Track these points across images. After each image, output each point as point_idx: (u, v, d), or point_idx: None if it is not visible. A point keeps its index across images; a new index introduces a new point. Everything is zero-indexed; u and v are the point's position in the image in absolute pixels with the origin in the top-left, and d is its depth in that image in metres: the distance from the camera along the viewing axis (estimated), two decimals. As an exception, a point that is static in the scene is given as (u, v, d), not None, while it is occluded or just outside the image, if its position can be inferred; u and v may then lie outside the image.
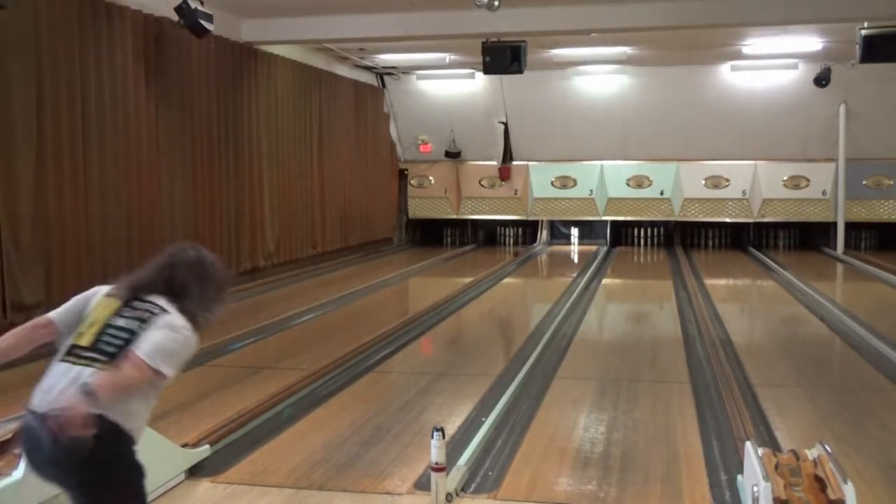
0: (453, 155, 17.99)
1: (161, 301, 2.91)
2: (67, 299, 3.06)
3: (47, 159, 8.09)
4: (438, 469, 3.99)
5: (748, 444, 3.89)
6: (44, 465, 2.78)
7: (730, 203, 17.19)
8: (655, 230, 18.31)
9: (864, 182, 16.54)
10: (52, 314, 3.02)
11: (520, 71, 11.57)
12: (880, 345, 7.72)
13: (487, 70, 11.80)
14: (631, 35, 12.76)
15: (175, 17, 9.37)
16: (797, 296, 11.17)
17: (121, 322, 2.86)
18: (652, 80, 16.49)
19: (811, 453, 3.76)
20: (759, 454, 3.64)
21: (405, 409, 5.78)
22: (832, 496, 3.28)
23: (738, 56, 15.09)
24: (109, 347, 2.81)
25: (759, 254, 16.21)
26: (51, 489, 3.46)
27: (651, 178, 17.40)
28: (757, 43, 14.09)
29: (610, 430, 5.30)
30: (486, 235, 18.83)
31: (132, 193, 9.32)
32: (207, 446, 4.69)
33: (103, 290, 3.04)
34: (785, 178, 16.93)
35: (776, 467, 3.56)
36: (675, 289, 11.89)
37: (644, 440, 5.11)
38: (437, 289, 10.81)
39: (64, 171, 8.29)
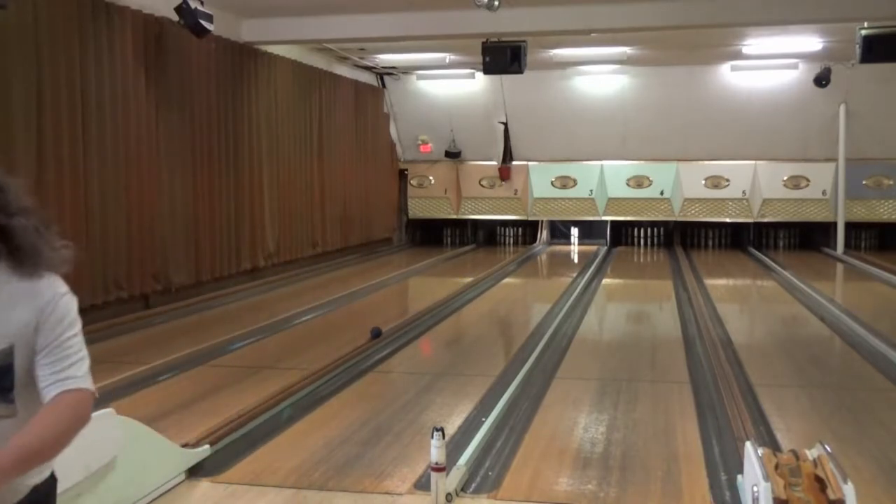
0: (453, 155, 17.97)
1: None
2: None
3: (47, 159, 8.08)
4: (438, 469, 3.99)
5: (748, 444, 3.89)
6: None
7: (730, 203, 17.18)
8: (655, 230, 18.29)
9: (864, 182, 16.53)
10: None
11: (520, 71, 11.57)
12: (880, 345, 7.71)
13: (487, 70, 11.80)
14: (631, 35, 12.75)
15: (175, 17, 9.37)
16: (797, 296, 11.16)
17: None
18: (652, 80, 16.49)
19: (811, 453, 3.76)
20: (759, 454, 3.64)
21: (405, 409, 5.78)
22: (832, 496, 3.28)
23: (738, 56, 15.09)
24: None
25: (759, 254, 16.20)
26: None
27: (651, 178, 17.39)
28: (757, 43, 14.08)
29: (610, 430, 5.30)
30: (486, 235, 18.82)
31: (132, 193, 9.30)
32: (207, 446, 4.68)
33: None
34: (785, 178, 16.92)
35: (776, 467, 3.56)
36: (675, 289, 11.88)
37: (644, 440, 5.11)
38: (437, 289, 10.81)
39: (64, 171, 8.29)
